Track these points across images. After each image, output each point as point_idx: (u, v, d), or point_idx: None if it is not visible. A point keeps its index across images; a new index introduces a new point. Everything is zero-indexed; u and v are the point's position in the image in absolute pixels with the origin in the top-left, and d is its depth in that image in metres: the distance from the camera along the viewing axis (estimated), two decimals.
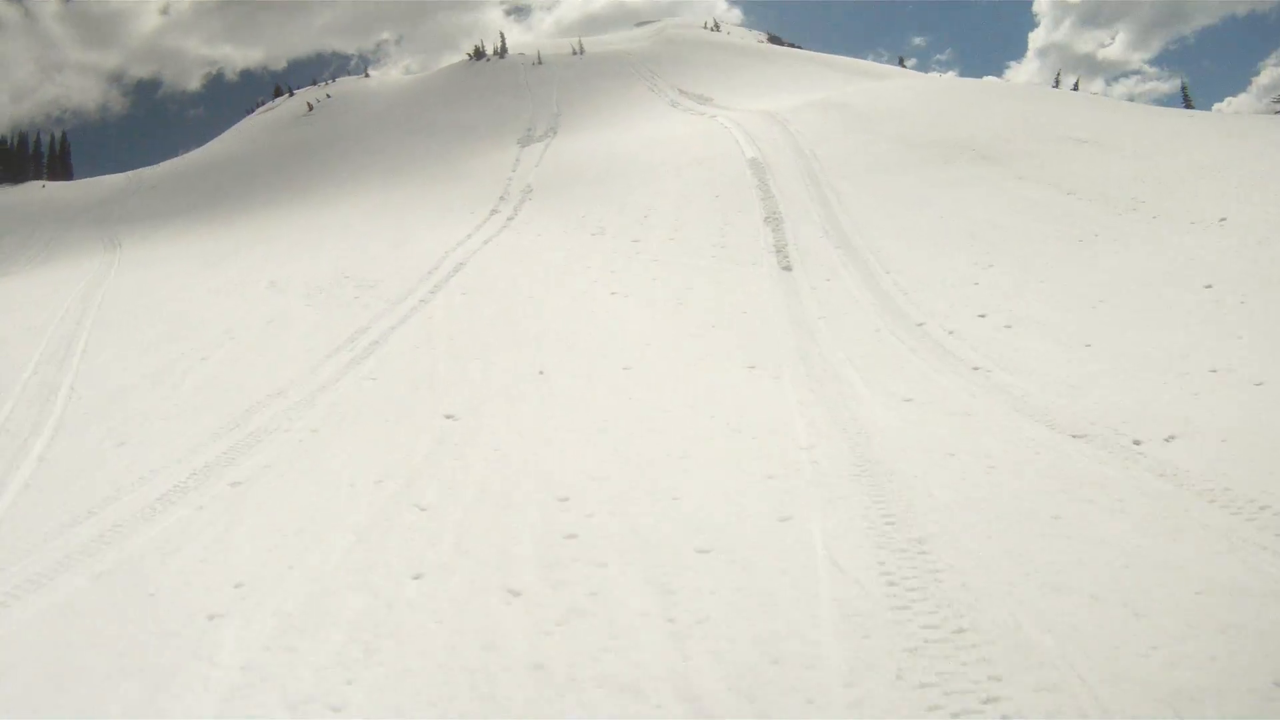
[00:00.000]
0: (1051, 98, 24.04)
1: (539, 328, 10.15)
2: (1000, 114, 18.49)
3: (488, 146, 32.15)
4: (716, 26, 62.23)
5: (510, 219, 18.12)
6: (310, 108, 50.14)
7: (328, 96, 52.09)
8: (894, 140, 17.09)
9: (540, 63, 50.03)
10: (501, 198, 20.65)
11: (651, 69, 45.20)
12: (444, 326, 10.60)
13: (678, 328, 9.74)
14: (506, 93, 44.99)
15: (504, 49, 53.88)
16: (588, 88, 42.79)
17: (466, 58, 53.90)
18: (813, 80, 38.38)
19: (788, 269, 11.64)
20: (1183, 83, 73.27)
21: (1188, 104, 42.76)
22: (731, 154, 19.07)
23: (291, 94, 55.68)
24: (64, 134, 51.26)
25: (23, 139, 49.31)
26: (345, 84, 55.38)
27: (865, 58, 52.32)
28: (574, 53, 51.83)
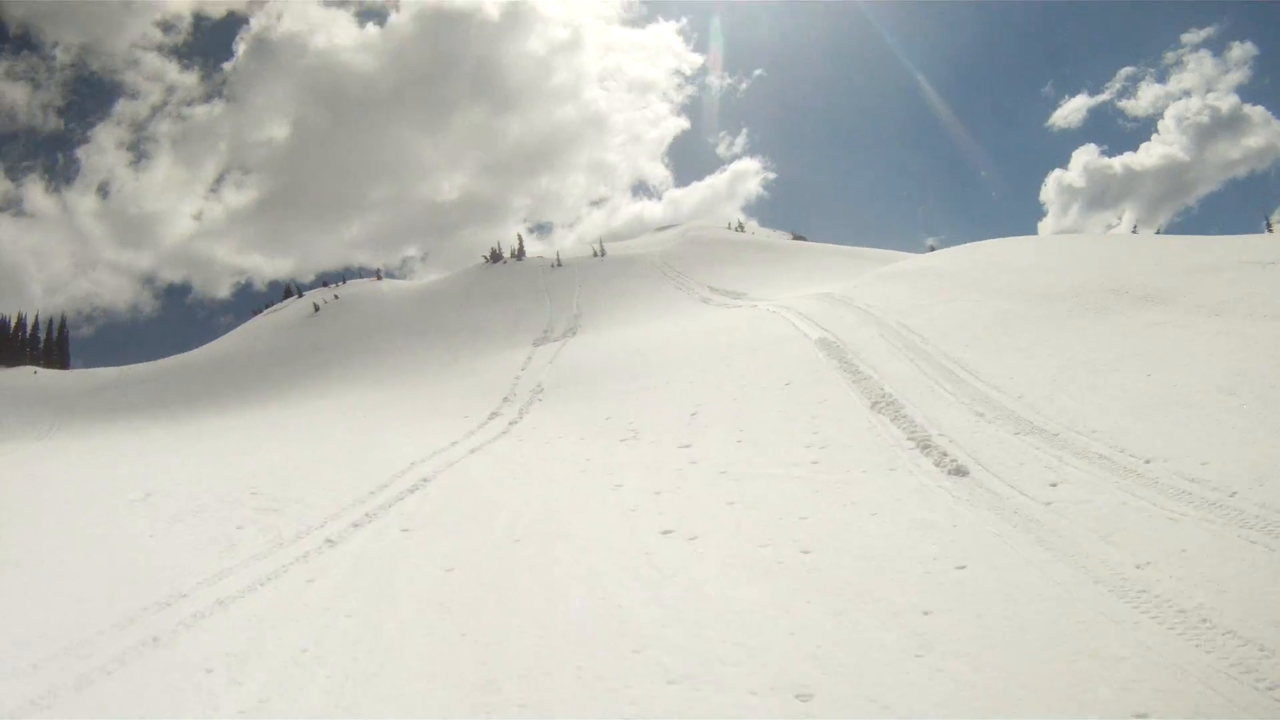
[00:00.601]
0: (1157, 239, 20.48)
1: (525, 621, 5.32)
2: (1123, 256, 14.53)
3: (499, 346, 28.70)
4: (740, 227, 61.43)
5: (513, 422, 13.84)
6: (316, 309, 47.88)
7: (335, 298, 50.06)
8: (1013, 296, 12.93)
9: (560, 265, 48.19)
10: (506, 398, 16.47)
11: (677, 269, 42.91)
12: (325, 602, 5.81)
13: (831, 626, 4.84)
14: (524, 295, 42.55)
15: (521, 251, 52.48)
16: (611, 288, 40.21)
17: (483, 260, 52.36)
18: (846, 269, 35.54)
19: (960, 472, 6.93)
20: None
21: None
22: (791, 336, 14.98)
23: (300, 295, 53.97)
24: (63, 320, 48.08)
25: (20, 322, 46.69)
26: (355, 286, 53.76)
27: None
28: (595, 255, 50.16)
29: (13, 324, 46.21)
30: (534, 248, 55.67)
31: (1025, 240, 20.68)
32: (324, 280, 57.40)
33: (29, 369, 42.77)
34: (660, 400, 12.93)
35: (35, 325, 47.09)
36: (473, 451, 11.82)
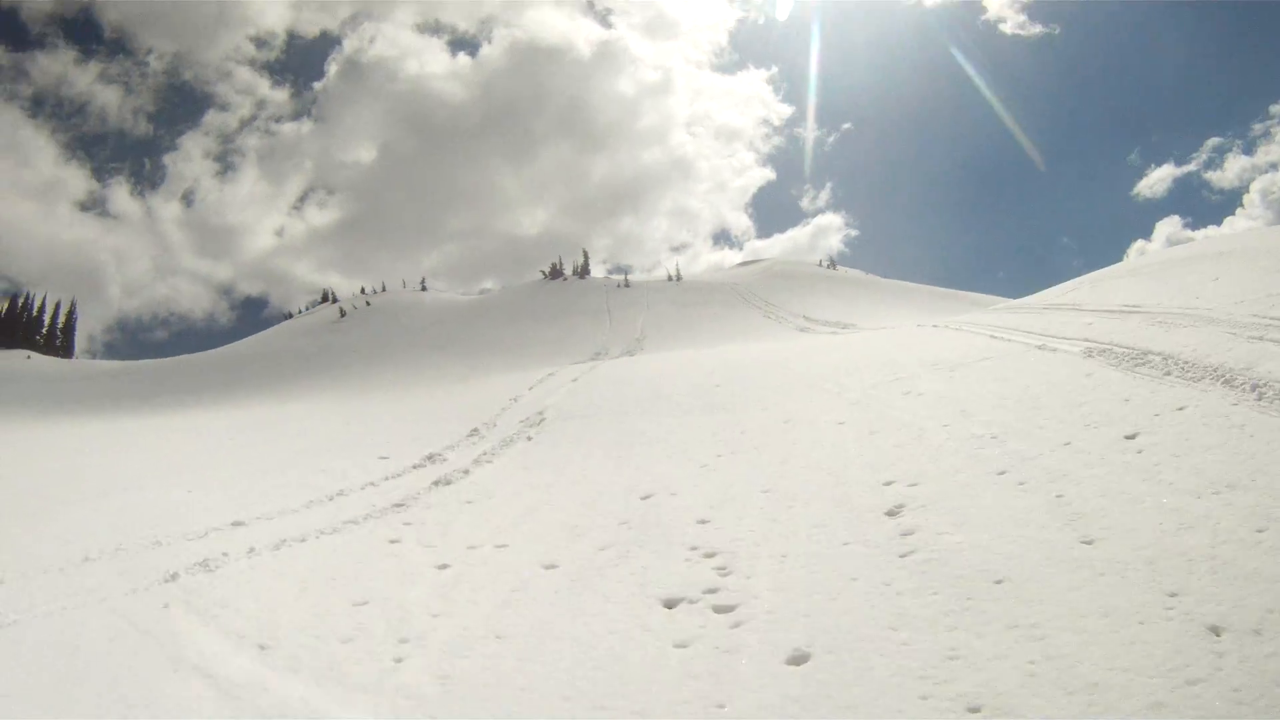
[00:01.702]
0: None
1: None
2: None
3: (532, 364, 21.85)
4: (833, 264, 53.87)
5: (442, 483, 6.98)
6: (343, 314, 42.34)
7: (367, 304, 44.42)
8: None
9: (627, 285, 41.50)
10: (476, 429, 9.63)
11: (764, 297, 35.80)
12: None
13: None
14: (581, 313, 35.95)
15: (586, 268, 45.98)
16: (685, 314, 33.22)
17: (541, 276, 46.10)
18: (959, 306, 27.82)
19: None
20: None
21: None
22: (1010, 352, 7.72)
23: (335, 300, 48.48)
24: (72, 303, 43.14)
25: (27, 301, 42.25)
26: (394, 295, 48.10)
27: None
28: (670, 279, 43.33)
29: (19, 305, 41.71)
30: (601, 273, 49.25)
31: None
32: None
33: (23, 353, 38.04)
34: (769, 450, 5.83)
35: (41, 308, 42.44)
36: (331, 532, 4.94)
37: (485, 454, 8.14)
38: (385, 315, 41.32)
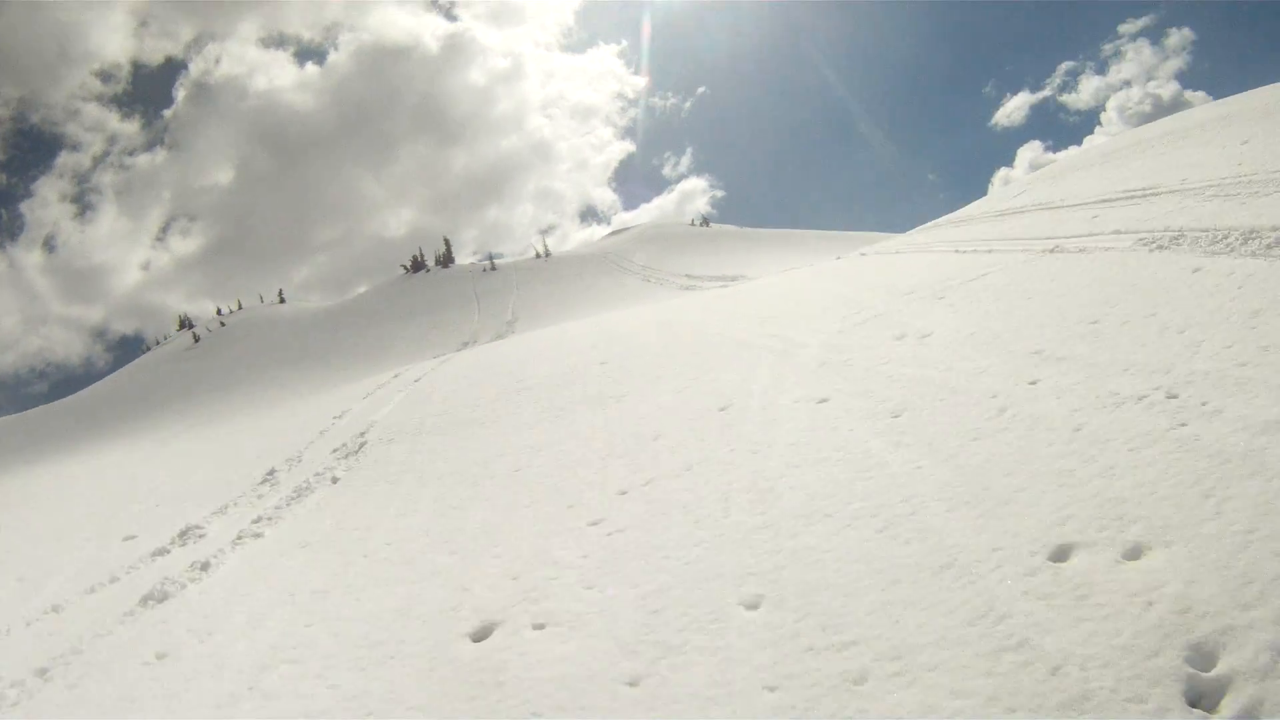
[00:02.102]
0: None
1: None
2: None
3: (393, 364, 18.59)
4: (705, 222, 51.68)
5: (206, 566, 3.75)
6: (196, 340, 37.28)
7: (222, 325, 39.38)
8: None
9: (494, 269, 38.13)
10: (270, 472, 6.43)
11: (641, 262, 33.15)
12: None
13: None
14: (448, 305, 32.38)
15: (450, 256, 42.12)
16: (558, 290, 30.20)
17: (402, 271, 41.97)
18: (849, 245, 26.34)
19: None
20: None
21: None
22: (1011, 263, 5.24)
23: (191, 326, 42.67)
24: None
25: None
26: (250, 312, 42.95)
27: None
28: (538, 256, 40.22)
29: None
30: (469, 261, 45.31)
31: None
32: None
33: None
34: (711, 471, 3.07)
35: None
36: None
37: (263, 517, 5.14)
38: (242, 335, 36.49)
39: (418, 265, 42.00)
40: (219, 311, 44.83)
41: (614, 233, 56.90)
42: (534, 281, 32.77)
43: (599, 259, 36.24)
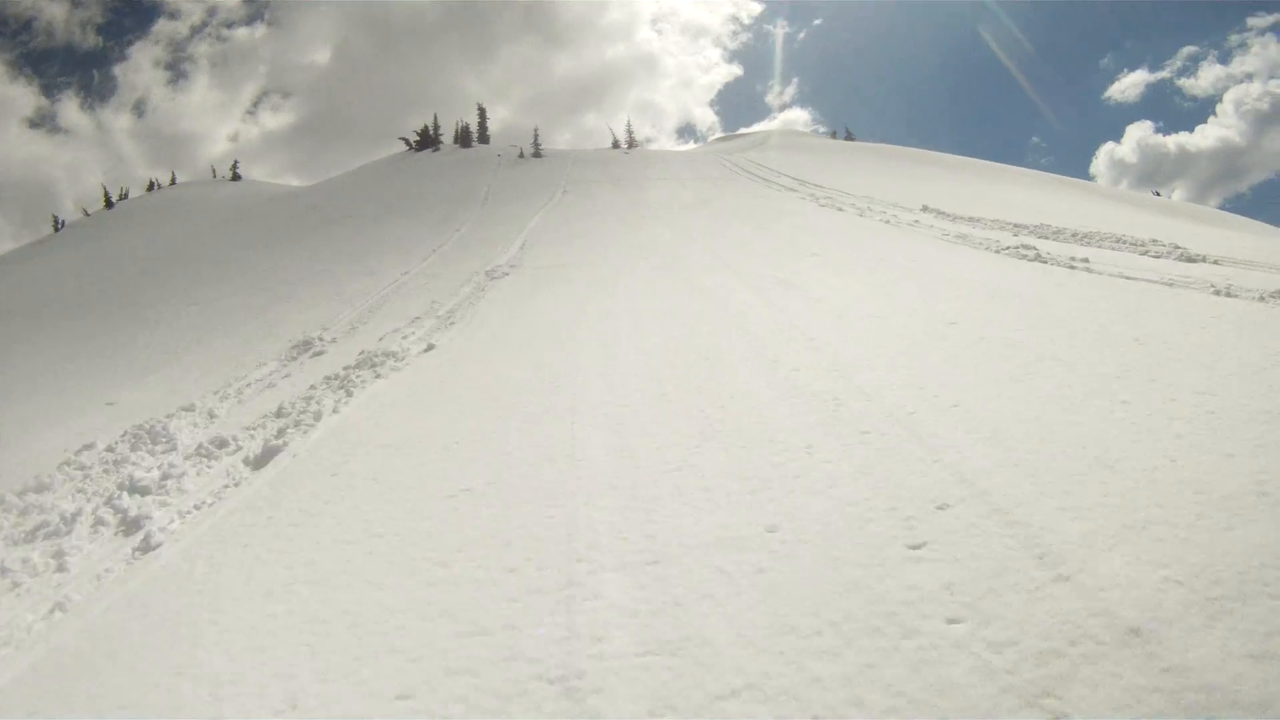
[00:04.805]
0: None
1: None
2: None
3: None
4: (835, 134, 36.57)
5: None
6: (57, 229, 24.58)
7: (108, 207, 26.42)
8: None
9: (538, 155, 23.91)
10: None
11: (759, 161, 18.89)
12: None
13: None
14: (432, 208, 18.39)
15: (482, 132, 27.77)
16: (636, 199, 15.99)
17: (405, 147, 27.97)
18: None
19: None
20: None
21: None
22: None
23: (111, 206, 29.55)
24: None
25: None
26: (183, 189, 30.00)
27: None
28: (616, 146, 25.91)
29: None
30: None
31: None
32: None
33: None
34: None
35: None
36: None
37: None
38: (126, 227, 23.53)
39: (427, 141, 27.83)
40: (152, 185, 31.56)
41: (724, 137, 41.87)
42: (593, 180, 18.58)
43: (712, 159, 21.85)
